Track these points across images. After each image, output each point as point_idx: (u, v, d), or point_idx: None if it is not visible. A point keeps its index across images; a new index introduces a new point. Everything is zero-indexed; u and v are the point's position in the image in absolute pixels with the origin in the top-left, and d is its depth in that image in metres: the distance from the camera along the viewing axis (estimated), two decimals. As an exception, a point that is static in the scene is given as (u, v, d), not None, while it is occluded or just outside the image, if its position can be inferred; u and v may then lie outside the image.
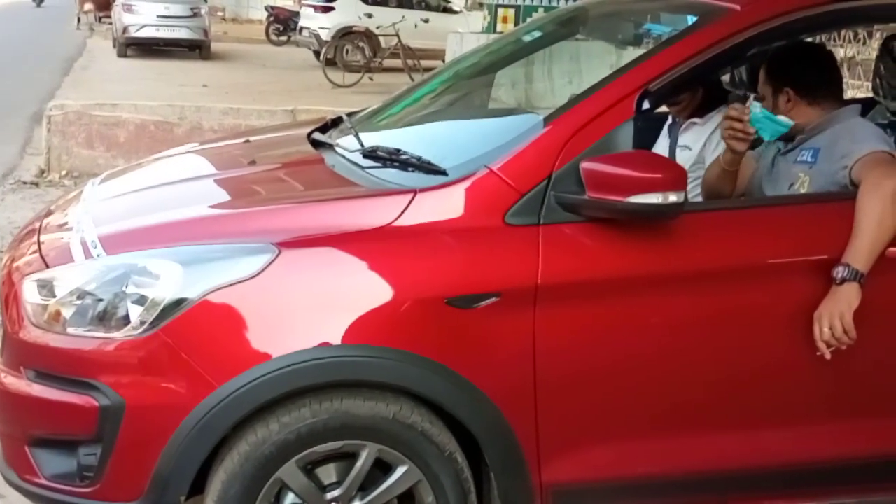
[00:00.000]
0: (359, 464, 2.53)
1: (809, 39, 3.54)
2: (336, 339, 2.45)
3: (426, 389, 2.52)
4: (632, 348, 2.62)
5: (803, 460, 2.77)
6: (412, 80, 12.20)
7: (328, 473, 2.57)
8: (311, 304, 2.48)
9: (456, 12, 20.46)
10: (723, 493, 2.77)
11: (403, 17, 17.42)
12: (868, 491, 2.83)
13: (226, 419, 2.43)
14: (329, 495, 2.55)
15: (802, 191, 2.88)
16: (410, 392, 2.52)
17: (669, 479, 2.72)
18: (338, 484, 2.56)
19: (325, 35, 18.05)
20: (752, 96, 2.84)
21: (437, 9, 20.14)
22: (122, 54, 18.97)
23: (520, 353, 2.54)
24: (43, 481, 2.56)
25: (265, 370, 2.42)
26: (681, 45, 2.73)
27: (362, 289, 2.50)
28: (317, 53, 17.69)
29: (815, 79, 2.97)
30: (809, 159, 2.90)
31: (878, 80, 3.24)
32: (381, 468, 2.57)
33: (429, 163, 2.76)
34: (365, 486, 2.57)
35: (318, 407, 2.48)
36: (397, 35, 16.21)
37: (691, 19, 2.96)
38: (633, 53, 2.83)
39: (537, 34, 3.90)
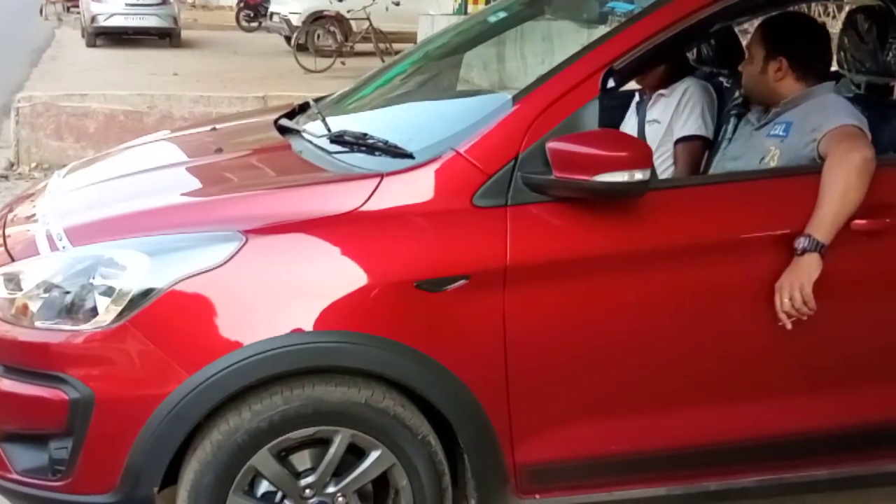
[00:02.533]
0: (332, 449, 2.53)
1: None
2: (306, 326, 2.45)
3: (398, 373, 2.52)
4: (602, 327, 2.63)
5: (774, 434, 2.78)
6: (384, 63, 12.14)
7: (302, 460, 2.57)
8: (281, 291, 2.48)
9: (427, -6, 20.36)
10: (695, 468, 2.78)
11: (374, 0, 17.31)
12: (839, 462, 2.86)
13: (197, 408, 2.43)
14: (303, 482, 2.55)
15: (773, 164, 2.90)
16: (382, 376, 2.52)
17: (642, 456, 2.74)
18: (312, 470, 2.56)
19: (296, 20, 17.93)
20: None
21: (408, -9, 20.02)
22: (91, 44, 18.80)
23: (490, 335, 2.54)
24: (14, 476, 2.55)
25: (236, 358, 2.42)
26: (644, 22, 2.72)
27: (331, 275, 2.50)
28: (288, 39, 17.56)
29: (810, 54, 3.00)
30: (781, 133, 2.92)
31: (842, 54, 3.25)
32: (355, 453, 2.57)
33: (395, 146, 2.75)
34: (339, 472, 2.57)
35: (289, 394, 2.47)
36: (368, 18, 16.15)
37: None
38: (599, 32, 2.81)
39: (504, 14, 3.89)
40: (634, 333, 2.66)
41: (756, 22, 3.38)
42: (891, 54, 3.01)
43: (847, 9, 3.72)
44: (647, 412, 2.72)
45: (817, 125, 2.80)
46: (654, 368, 2.70)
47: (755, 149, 2.97)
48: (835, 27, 3.95)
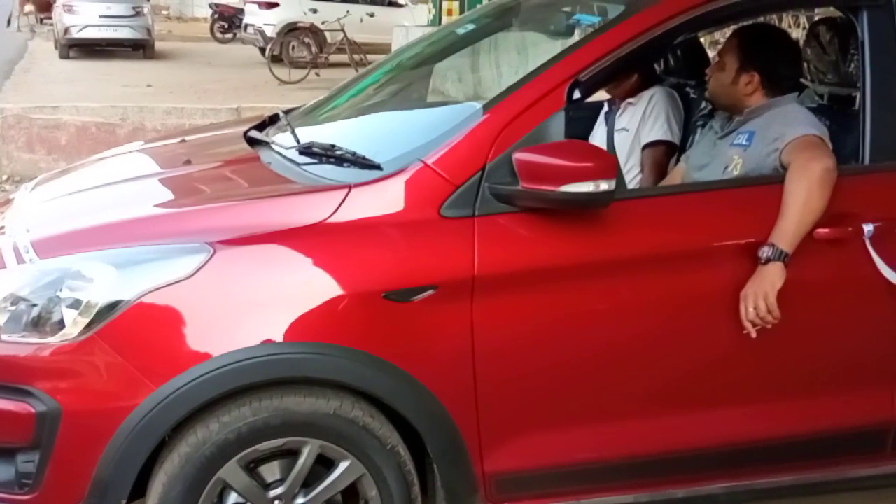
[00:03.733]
0: (301, 460, 2.53)
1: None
2: (274, 337, 2.45)
3: (366, 384, 2.53)
4: (569, 336, 2.65)
5: (741, 440, 2.81)
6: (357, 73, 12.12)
7: (271, 471, 2.57)
8: (249, 303, 2.48)
9: (401, 6, 20.41)
10: (662, 475, 2.80)
11: (348, 11, 17.31)
12: (804, 468, 2.89)
13: (165, 421, 2.42)
14: (272, 493, 2.55)
15: (736, 173, 2.93)
16: (351, 387, 2.53)
17: (610, 464, 2.76)
18: (281, 481, 2.56)
19: (271, 31, 17.91)
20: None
21: (382, 3, 20.08)
22: (64, 56, 18.69)
23: (459, 345, 2.55)
24: (-19, 489, 2.53)
25: (205, 370, 2.42)
26: (609, 34, 2.75)
27: (299, 286, 2.51)
28: (262, 50, 17.51)
29: (783, 72, 3.04)
30: (744, 142, 2.96)
31: (805, 65, 3.29)
32: (324, 464, 2.57)
33: (363, 158, 2.76)
34: (308, 483, 2.57)
35: (258, 405, 2.48)
36: (343, 30, 16.15)
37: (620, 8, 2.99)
38: (566, 44, 2.84)
39: (473, 27, 3.91)
40: (601, 342, 2.68)
41: (728, 31, 3.42)
42: (852, 65, 3.05)
43: (810, 21, 3.76)
44: (615, 420, 2.74)
45: (780, 135, 2.83)
46: (621, 377, 2.72)
47: (720, 157, 3.00)
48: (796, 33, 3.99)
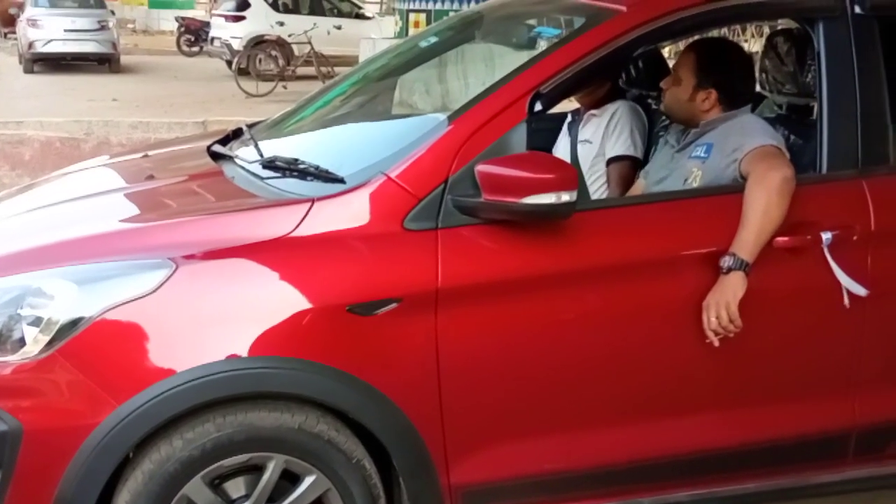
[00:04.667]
0: (266, 476, 2.52)
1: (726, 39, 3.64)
2: (238, 352, 2.44)
3: (331, 398, 2.53)
4: (534, 347, 2.66)
5: (706, 448, 2.84)
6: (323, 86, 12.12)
7: (237, 487, 2.55)
8: (212, 318, 2.47)
9: (368, 18, 20.46)
10: (628, 483, 2.82)
11: (315, 24, 17.33)
12: (768, 475, 2.91)
13: (128, 438, 2.41)
14: (238, 509, 2.54)
15: (696, 185, 2.96)
16: (315, 401, 2.52)
17: (576, 473, 2.77)
18: (246, 497, 2.54)
19: (237, 44, 17.89)
20: None
21: (349, 15, 20.12)
22: (28, 70, 18.55)
23: (423, 357, 2.56)
24: (-59, 510, 2.51)
25: (168, 386, 2.40)
26: (569, 47, 2.78)
27: (262, 300, 2.50)
28: (229, 63, 17.49)
29: (740, 88, 3.07)
30: (703, 154, 2.98)
31: (764, 76, 3.33)
32: (290, 479, 2.56)
33: (327, 171, 2.77)
34: (274, 498, 2.55)
35: (222, 421, 2.46)
36: (310, 42, 16.16)
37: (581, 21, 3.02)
38: (527, 56, 2.86)
39: (435, 39, 3.93)
40: (565, 353, 2.69)
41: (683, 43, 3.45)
42: (810, 76, 3.09)
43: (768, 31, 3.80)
44: (581, 430, 2.76)
45: (737, 146, 2.86)
46: (585, 386, 2.74)
47: (679, 170, 3.03)
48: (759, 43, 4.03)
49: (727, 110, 3.03)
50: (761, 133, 2.91)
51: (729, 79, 3.05)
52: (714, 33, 3.73)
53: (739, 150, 2.84)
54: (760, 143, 2.84)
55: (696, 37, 3.47)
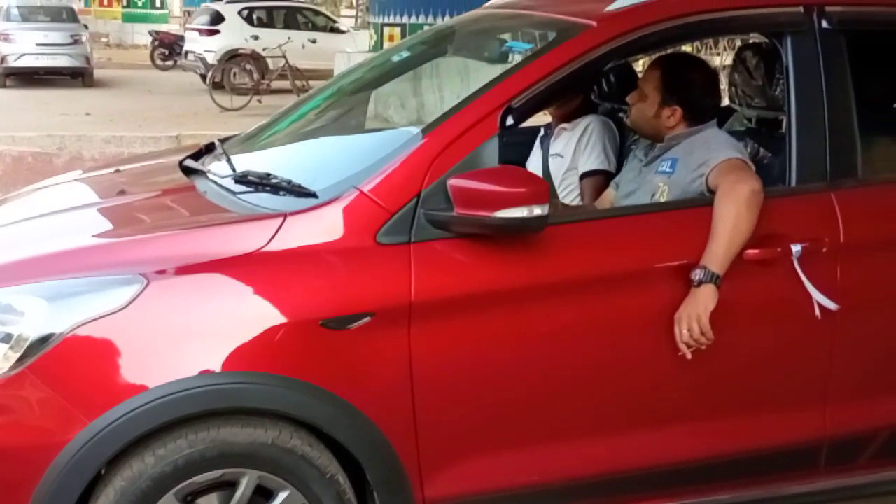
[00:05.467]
0: (239, 492, 2.51)
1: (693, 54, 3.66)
2: (210, 367, 2.44)
3: (304, 413, 2.52)
4: (507, 361, 2.67)
5: (680, 460, 2.85)
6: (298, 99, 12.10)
7: (209, 503, 2.54)
8: (184, 334, 2.46)
9: (343, 32, 20.48)
10: (604, 496, 2.83)
11: (290, 38, 17.33)
12: (742, 486, 2.93)
13: (99, 455, 2.39)
14: (211, 525, 2.52)
15: (663, 199, 2.98)
16: (289, 416, 2.52)
17: (549, 486, 2.77)
18: (219, 513, 2.53)
19: (212, 58, 17.86)
20: None
21: (324, 29, 20.13)
22: (1, 85, 18.43)
23: (397, 372, 2.56)
24: None
25: (140, 402, 2.39)
26: (540, 61, 2.79)
27: (235, 315, 2.50)
28: (203, 77, 17.45)
29: (706, 105, 3.09)
30: (668, 169, 3.01)
31: (733, 89, 3.36)
32: (263, 494, 2.55)
33: (299, 186, 2.76)
34: (247, 514, 2.54)
35: (194, 437, 2.45)
36: (284, 56, 16.16)
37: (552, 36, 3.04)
38: (499, 71, 2.88)
39: (408, 54, 3.94)
40: (538, 366, 2.70)
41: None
42: (778, 89, 3.12)
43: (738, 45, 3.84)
44: (554, 443, 2.76)
45: (703, 160, 2.89)
46: (559, 399, 2.74)
47: (646, 185, 3.05)
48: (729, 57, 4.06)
49: (692, 125, 3.06)
50: (726, 147, 2.93)
51: (694, 95, 3.07)
52: (686, 47, 3.77)
53: (705, 165, 2.86)
54: (726, 156, 2.87)
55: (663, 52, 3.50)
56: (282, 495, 2.55)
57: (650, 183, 3.03)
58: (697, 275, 2.67)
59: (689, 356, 2.69)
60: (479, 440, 2.70)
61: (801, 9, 2.93)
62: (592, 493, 2.82)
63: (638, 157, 3.19)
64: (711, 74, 3.24)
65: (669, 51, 3.73)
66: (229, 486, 2.52)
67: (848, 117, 2.92)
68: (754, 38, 3.60)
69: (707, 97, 3.13)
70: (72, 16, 20.20)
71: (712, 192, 2.79)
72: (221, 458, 2.48)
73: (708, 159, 2.87)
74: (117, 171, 3.65)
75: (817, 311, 2.80)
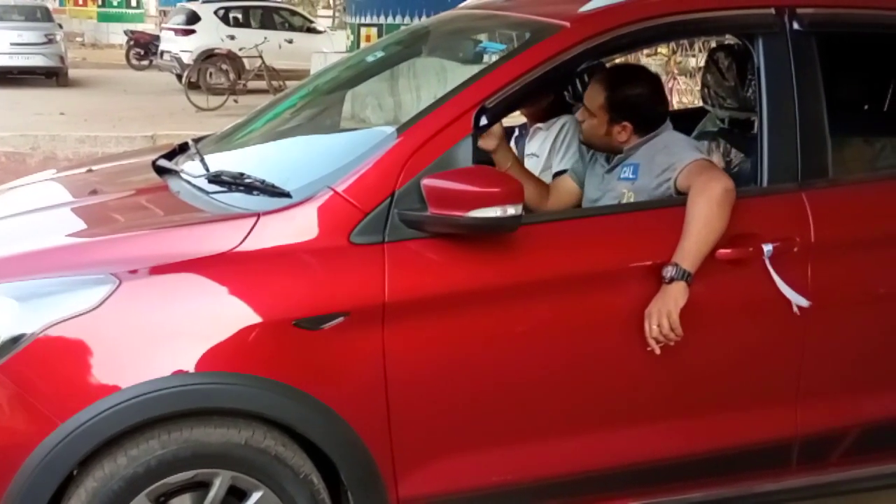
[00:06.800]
0: (212, 492, 2.50)
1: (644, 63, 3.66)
2: (183, 368, 2.43)
3: (278, 413, 2.52)
4: (481, 360, 2.67)
5: (651, 458, 2.86)
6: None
7: (182, 504, 2.54)
8: (156, 334, 2.45)
9: (320, 32, 20.45)
10: (575, 494, 2.84)
11: (266, 38, 17.28)
12: (713, 485, 2.95)
13: (71, 455, 2.38)
14: (184, 526, 2.51)
15: None
16: (262, 416, 2.51)
17: (525, 485, 2.78)
18: (192, 514, 2.52)
19: (188, 58, 17.77)
20: None
21: (300, 29, 20.08)
22: (-26, 84, 18.27)
23: (370, 372, 2.56)
24: None
25: (112, 402, 2.38)
26: (514, 62, 2.80)
27: (208, 315, 2.49)
28: (179, 77, 17.37)
29: (653, 115, 3.08)
30: (631, 175, 3.01)
31: (706, 90, 3.38)
32: (237, 495, 2.55)
33: (272, 186, 2.76)
34: (220, 515, 2.54)
35: (166, 437, 2.44)
36: (261, 56, 16.12)
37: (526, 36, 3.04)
38: (473, 71, 2.88)
39: (382, 54, 3.94)
40: (513, 365, 2.70)
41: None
42: (750, 90, 3.14)
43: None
44: (528, 442, 2.77)
45: (667, 165, 2.90)
46: (533, 398, 2.75)
47: (611, 192, 3.05)
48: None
49: (645, 135, 3.04)
50: (688, 148, 2.95)
51: (641, 109, 3.05)
52: (663, 49, 3.78)
53: (671, 169, 2.87)
54: (691, 158, 2.88)
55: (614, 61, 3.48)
56: (255, 496, 2.54)
57: (614, 190, 3.03)
58: (669, 272, 2.68)
59: (657, 352, 2.71)
60: (453, 439, 2.71)
61: (772, 10, 2.95)
62: (565, 491, 2.83)
63: (600, 163, 3.17)
64: (654, 82, 3.20)
65: (608, 64, 3.73)
66: (202, 486, 2.51)
67: (819, 118, 2.94)
68: (728, 39, 3.63)
69: (654, 106, 3.10)
70: (46, 15, 20.02)
71: (682, 193, 2.81)
72: (194, 458, 2.47)
73: (673, 163, 2.88)
74: (90, 170, 3.63)
75: (792, 310, 2.82)
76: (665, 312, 2.67)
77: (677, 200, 2.82)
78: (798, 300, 2.81)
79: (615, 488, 2.86)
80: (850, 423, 3.02)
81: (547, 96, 3.72)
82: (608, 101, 3.04)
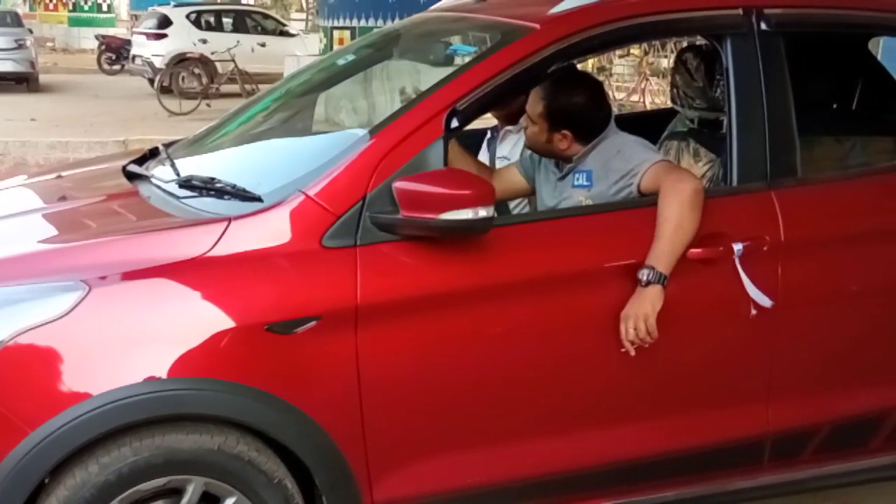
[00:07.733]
0: (185, 499, 2.49)
1: (582, 69, 3.63)
2: (155, 374, 2.41)
3: (251, 418, 2.51)
4: (454, 362, 2.67)
5: (625, 458, 2.87)
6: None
7: (155, 511, 2.52)
8: (127, 340, 2.43)
9: (293, 35, 20.40)
10: (550, 495, 2.85)
11: (239, 41, 17.24)
12: (687, 483, 2.97)
13: (42, 464, 2.36)
14: (157, 534, 2.50)
15: None
16: (235, 422, 2.50)
17: (501, 486, 2.79)
18: (165, 521, 2.51)
19: (160, 62, 17.70)
20: None
21: (273, 32, 20.04)
22: (-57, 90, 18.09)
23: (344, 375, 2.55)
24: None
25: (83, 409, 2.36)
26: (484, 64, 2.80)
27: (179, 321, 2.48)
28: (151, 81, 17.27)
29: (594, 121, 3.03)
30: (585, 183, 2.99)
31: (675, 91, 3.40)
32: (210, 501, 2.53)
33: (244, 190, 2.75)
34: (194, 521, 2.52)
35: (138, 444, 2.43)
36: (233, 60, 16.07)
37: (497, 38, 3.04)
38: (444, 73, 2.88)
39: (353, 57, 3.94)
40: (487, 367, 2.70)
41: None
42: (719, 91, 3.16)
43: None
44: (504, 443, 2.77)
45: (626, 170, 2.89)
46: (507, 400, 2.76)
47: (567, 200, 3.03)
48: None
49: (588, 142, 3.01)
50: (643, 150, 2.95)
51: (580, 117, 3.01)
52: (635, 49, 3.79)
53: (632, 175, 2.87)
54: (650, 160, 2.88)
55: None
56: (229, 501, 2.53)
57: (571, 198, 3.01)
58: (645, 275, 2.69)
59: (632, 353, 2.72)
60: (427, 442, 2.71)
61: (740, 11, 2.97)
62: (540, 492, 2.84)
63: (550, 170, 3.14)
64: (594, 88, 3.15)
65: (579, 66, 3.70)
66: (175, 493, 2.50)
67: (787, 118, 2.96)
68: (697, 39, 3.64)
69: (594, 113, 3.05)
70: (16, 20, 19.83)
71: (645, 195, 2.82)
72: (167, 465, 2.45)
73: (631, 168, 2.88)
74: (59, 176, 3.60)
75: (763, 306, 2.83)
76: (642, 316, 2.68)
77: (649, 200, 2.83)
78: (762, 300, 2.83)
79: (590, 489, 2.87)
80: (820, 420, 3.05)
81: (518, 98, 3.73)
82: (546, 110, 3.01)
